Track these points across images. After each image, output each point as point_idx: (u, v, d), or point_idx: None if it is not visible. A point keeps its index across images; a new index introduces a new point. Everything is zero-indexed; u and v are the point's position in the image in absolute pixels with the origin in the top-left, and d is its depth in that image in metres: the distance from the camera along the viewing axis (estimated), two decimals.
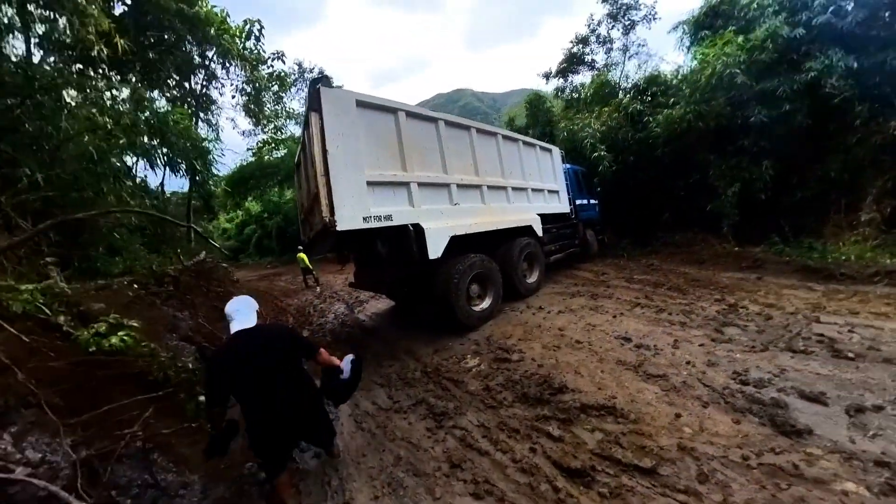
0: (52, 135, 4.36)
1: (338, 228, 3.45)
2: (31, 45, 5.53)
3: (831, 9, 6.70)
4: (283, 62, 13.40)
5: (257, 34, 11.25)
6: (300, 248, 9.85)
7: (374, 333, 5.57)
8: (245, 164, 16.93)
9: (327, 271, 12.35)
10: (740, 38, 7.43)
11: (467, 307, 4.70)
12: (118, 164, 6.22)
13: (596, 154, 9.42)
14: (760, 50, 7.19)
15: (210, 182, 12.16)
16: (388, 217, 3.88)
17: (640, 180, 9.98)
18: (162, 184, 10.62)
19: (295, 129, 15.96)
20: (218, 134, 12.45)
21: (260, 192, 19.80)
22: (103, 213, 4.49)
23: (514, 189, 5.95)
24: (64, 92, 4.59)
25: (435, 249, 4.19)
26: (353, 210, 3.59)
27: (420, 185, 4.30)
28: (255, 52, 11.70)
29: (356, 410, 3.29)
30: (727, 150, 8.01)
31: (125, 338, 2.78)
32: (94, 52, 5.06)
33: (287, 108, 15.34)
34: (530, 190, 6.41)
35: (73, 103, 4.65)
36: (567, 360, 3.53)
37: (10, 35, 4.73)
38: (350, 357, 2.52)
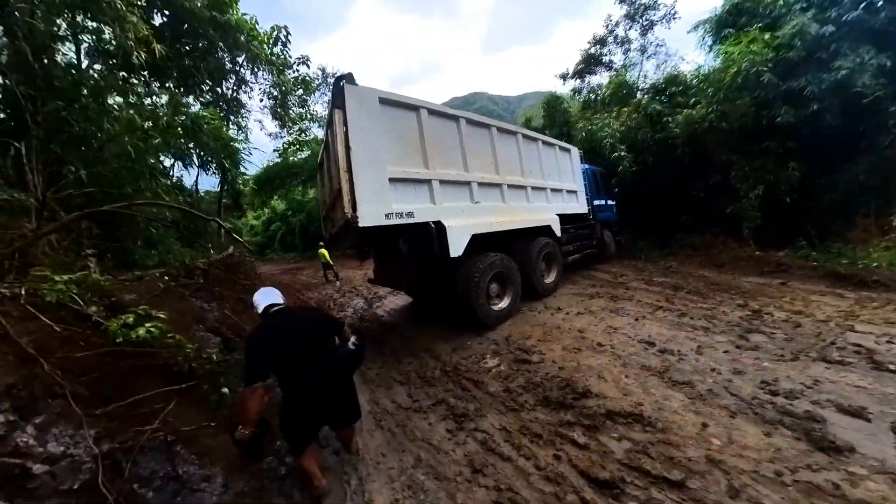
0: (96, 136, 4.61)
1: (360, 224, 3.45)
2: (81, 53, 5.87)
3: (863, 5, 6.39)
4: (308, 66, 13.67)
5: (284, 40, 11.57)
6: (321, 244, 10.09)
7: (392, 330, 5.58)
8: (271, 164, 17.52)
9: (347, 267, 12.54)
10: (767, 36, 7.15)
11: (487, 306, 4.67)
12: (154, 163, 6.53)
13: (616, 154, 9.27)
14: (788, 48, 6.90)
15: (239, 181, 12.61)
16: (410, 214, 3.88)
17: (659, 181, 9.77)
18: (196, 182, 11.11)
19: (318, 132, 16.40)
20: (247, 136, 12.86)
21: (285, 192, 20.49)
22: (128, 204, 4.58)
23: (534, 188, 5.91)
24: (108, 96, 4.82)
25: (456, 247, 4.17)
26: (375, 206, 3.60)
27: (441, 182, 4.30)
28: (282, 57, 12.01)
29: (375, 408, 3.28)
30: (751, 151, 7.72)
31: (151, 329, 2.76)
32: (134, 58, 5.33)
33: (311, 111, 15.74)
34: (549, 190, 6.36)
35: (116, 107, 4.89)
36: (589, 363, 3.46)
37: (61, 43, 5.04)
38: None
